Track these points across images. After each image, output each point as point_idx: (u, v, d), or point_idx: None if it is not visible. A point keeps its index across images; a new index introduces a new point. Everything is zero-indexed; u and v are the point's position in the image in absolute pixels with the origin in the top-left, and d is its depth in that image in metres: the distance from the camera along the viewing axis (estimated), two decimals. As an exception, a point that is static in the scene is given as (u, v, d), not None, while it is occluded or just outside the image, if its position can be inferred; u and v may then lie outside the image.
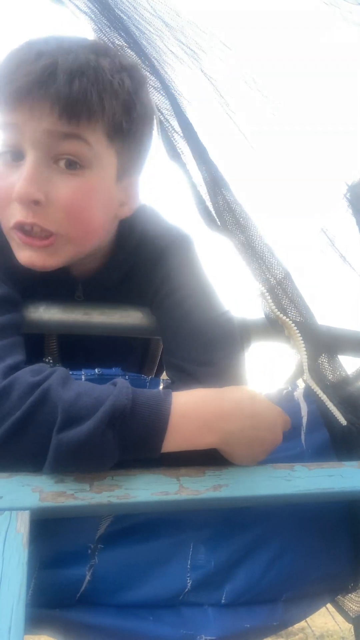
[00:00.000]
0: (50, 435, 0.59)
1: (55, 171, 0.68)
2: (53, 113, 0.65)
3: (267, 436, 0.69)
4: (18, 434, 0.60)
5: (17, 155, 0.68)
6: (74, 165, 0.68)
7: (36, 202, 0.67)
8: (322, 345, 0.78)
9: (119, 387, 0.64)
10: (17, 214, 0.68)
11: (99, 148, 0.69)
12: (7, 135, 0.68)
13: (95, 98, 0.66)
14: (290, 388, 0.88)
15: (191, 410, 0.66)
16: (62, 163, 0.68)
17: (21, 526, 0.57)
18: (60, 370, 0.66)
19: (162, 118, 0.85)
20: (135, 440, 0.63)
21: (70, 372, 0.75)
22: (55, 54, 0.66)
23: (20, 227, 0.69)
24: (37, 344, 0.91)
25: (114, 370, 0.77)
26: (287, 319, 0.77)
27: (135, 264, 0.84)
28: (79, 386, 0.64)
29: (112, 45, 0.85)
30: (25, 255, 0.71)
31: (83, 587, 0.68)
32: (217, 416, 0.67)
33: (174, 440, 0.65)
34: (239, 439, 0.67)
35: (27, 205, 0.67)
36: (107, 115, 0.68)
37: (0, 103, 0.67)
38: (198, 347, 0.76)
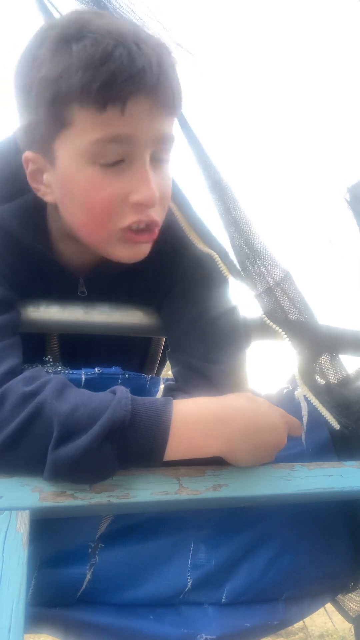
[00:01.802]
0: (47, 448, 0.59)
1: (155, 169, 0.69)
2: (166, 112, 0.66)
3: (270, 440, 0.69)
4: (13, 447, 0.59)
5: (118, 162, 0.66)
6: (163, 160, 0.70)
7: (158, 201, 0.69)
8: (322, 345, 0.78)
9: (117, 397, 0.63)
10: (131, 216, 0.68)
11: None
12: (114, 147, 0.64)
13: (180, 89, 0.68)
14: (290, 387, 0.88)
15: (193, 419, 0.66)
16: (156, 160, 0.69)
17: (21, 526, 0.57)
18: (56, 379, 0.64)
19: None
20: (135, 452, 0.62)
21: (70, 371, 0.75)
22: (150, 46, 0.63)
23: (133, 227, 0.69)
24: (37, 343, 0.91)
25: (114, 369, 0.77)
26: (276, 326, 0.77)
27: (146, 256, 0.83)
28: (75, 396, 0.62)
29: None
30: (132, 253, 0.72)
31: (83, 586, 0.68)
32: (219, 424, 0.66)
33: (176, 450, 0.64)
34: (242, 445, 0.67)
35: (148, 207, 0.68)
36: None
37: (109, 106, 0.61)
38: (209, 345, 0.77)
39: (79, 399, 0.62)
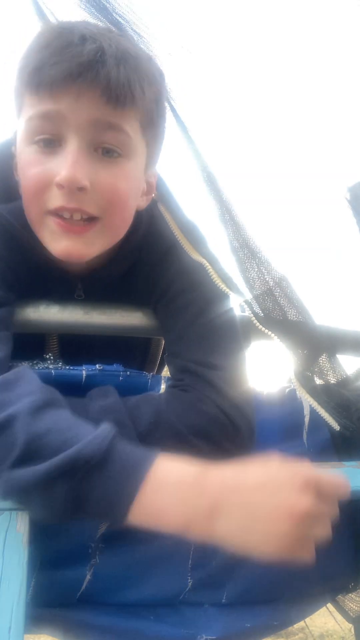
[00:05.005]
0: (6, 463, 0.54)
1: (95, 159, 0.67)
2: (101, 99, 0.64)
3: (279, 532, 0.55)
4: None
5: (52, 143, 0.67)
6: (112, 153, 0.68)
7: (81, 189, 0.66)
8: (321, 346, 0.78)
9: (99, 431, 0.56)
10: (57, 200, 0.67)
11: (136, 138, 0.70)
12: (45, 123, 0.66)
13: (137, 86, 0.66)
14: (292, 386, 0.88)
15: (169, 483, 0.54)
16: (100, 151, 0.68)
17: (21, 526, 0.57)
18: (44, 394, 0.59)
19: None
20: (94, 501, 0.53)
21: (71, 367, 0.74)
22: (97, 37, 0.66)
23: (60, 214, 0.68)
24: (38, 342, 0.91)
25: (115, 366, 0.76)
26: (265, 329, 0.76)
27: (139, 260, 0.83)
28: (54, 420, 0.56)
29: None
30: (62, 246, 0.69)
31: (83, 587, 0.68)
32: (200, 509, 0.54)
33: (138, 515, 0.53)
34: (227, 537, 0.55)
35: (71, 191, 0.66)
36: (145, 105, 0.69)
37: (40, 89, 0.65)
38: (206, 348, 0.76)
39: (57, 424, 0.56)
